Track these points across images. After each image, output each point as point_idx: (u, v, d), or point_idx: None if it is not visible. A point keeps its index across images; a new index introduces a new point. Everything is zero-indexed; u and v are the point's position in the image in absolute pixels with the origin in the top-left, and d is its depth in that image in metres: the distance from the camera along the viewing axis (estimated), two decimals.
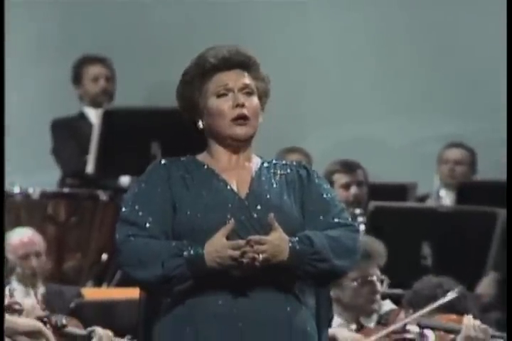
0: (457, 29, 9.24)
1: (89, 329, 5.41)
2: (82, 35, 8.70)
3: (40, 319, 5.11)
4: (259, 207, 4.06)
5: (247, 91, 4.13)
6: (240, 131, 4.13)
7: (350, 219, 4.20)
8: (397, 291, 6.22)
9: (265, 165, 4.20)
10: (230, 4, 9.26)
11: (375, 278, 5.78)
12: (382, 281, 5.87)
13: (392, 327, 5.62)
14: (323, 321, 4.25)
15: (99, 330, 5.41)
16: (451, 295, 5.76)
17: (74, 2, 8.88)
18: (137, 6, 8.95)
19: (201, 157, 4.19)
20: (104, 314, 5.99)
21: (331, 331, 4.88)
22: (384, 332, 5.62)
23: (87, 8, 8.90)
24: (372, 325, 5.75)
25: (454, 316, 5.80)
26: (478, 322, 5.58)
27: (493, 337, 5.65)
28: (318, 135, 8.53)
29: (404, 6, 9.34)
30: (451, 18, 9.24)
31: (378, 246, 5.87)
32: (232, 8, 9.29)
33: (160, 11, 9.03)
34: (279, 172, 4.24)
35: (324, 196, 4.17)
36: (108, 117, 7.39)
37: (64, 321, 5.32)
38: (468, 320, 5.60)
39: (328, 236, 4.10)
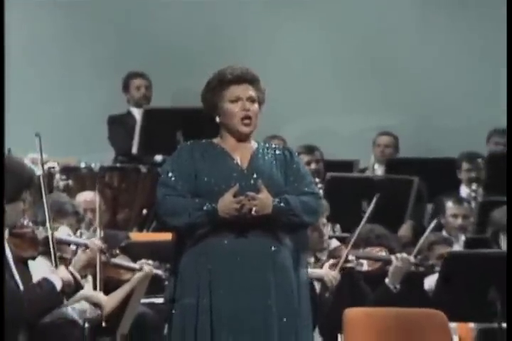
0: (395, 39, 8.95)
1: (140, 262, 5.27)
2: (128, 55, 8.61)
3: (99, 249, 4.85)
4: (255, 176, 4.15)
5: (252, 99, 4.19)
6: (246, 129, 4.19)
7: (316, 189, 4.27)
8: (344, 234, 6.18)
9: (261, 147, 4.25)
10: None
11: (322, 225, 5.67)
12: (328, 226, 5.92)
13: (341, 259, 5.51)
14: (303, 260, 4.26)
15: (142, 265, 5.23)
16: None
17: (126, 30, 8.77)
18: (170, 32, 8.77)
19: (215, 140, 4.24)
20: (145, 251, 5.56)
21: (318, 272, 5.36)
22: (331, 261, 5.53)
23: (134, 36, 8.78)
24: (324, 257, 5.65)
25: (382, 249, 5.73)
26: (403, 255, 5.56)
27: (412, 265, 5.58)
28: (291, 126, 8.48)
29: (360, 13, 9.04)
30: (386, 27, 8.96)
31: (324, 204, 5.66)
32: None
33: (183, 34, 8.75)
34: (270, 152, 4.24)
35: (300, 170, 4.24)
36: (146, 114, 7.48)
37: (117, 251, 5.20)
38: (396, 255, 5.56)
39: (300, 200, 4.16)
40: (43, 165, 5.02)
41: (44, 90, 8.64)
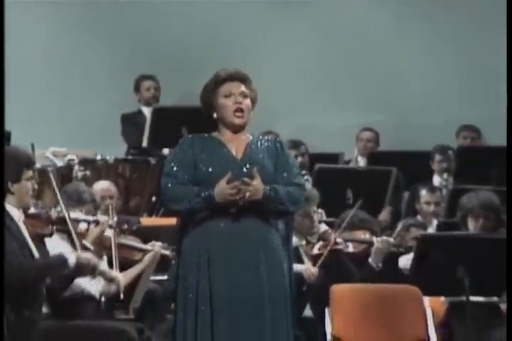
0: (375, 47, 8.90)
1: (150, 243, 5.27)
2: (140, 60, 8.57)
3: (110, 226, 4.94)
4: (248, 165, 4.17)
5: (244, 95, 4.19)
6: (238, 120, 4.19)
7: (302, 180, 4.27)
8: (331, 219, 6.17)
9: (254, 139, 4.26)
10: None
11: (312, 212, 5.76)
12: (319, 213, 5.95)
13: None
14: (291, 242, 4.31)
15: (152, 246, 5.26)
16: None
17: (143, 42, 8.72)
18: (176, 39, 8.72)
19: (214, 134, 4.24)
20: (154, 234, 5.56)
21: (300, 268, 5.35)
22: (321, 243, 5.63)
23: (145, 43, 8.71)
24: (314, 240, 5.70)
25: (365, 232, 5.80)
26: (383, 237, 5.62)
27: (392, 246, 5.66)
28: (284, 122, 8.43)
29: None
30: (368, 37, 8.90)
31: (313, 192, 5.88)
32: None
33: (188, 41, 8.71)
34: (263, 144, 4.24)
35: (289, 162, 4.25)
36: (155, 112, 7.44)
37: (125, 226, 5.16)
38: (377, 238, 5.62)
39: (287, 190, 4.17)
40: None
41: (65, 91, 8.61)
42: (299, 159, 7.35)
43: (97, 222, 4.84)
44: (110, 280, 4.90)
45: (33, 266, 4.40)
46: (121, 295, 4.93)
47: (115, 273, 4.93)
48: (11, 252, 4.33)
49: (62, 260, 4.42)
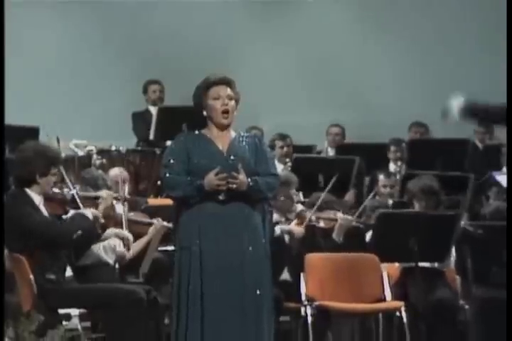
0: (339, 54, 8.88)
1: (155, 219, 5.22)
2: (148, 67, 8.43)
3: (115, 198, 4.94)
4: (232, 158, 4.14)
5: (230, 97, 4.12)
6: (225, 121, 4.14)
7: (277, 170, 4.26)
8: (306, 199, 6.12)
9: (237, 135, 4.21)
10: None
11: (292, 194, 5.75)
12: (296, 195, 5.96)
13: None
14: (270, 221, 4.37)
15: (157, 221, 5.22)
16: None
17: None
18: (178, 50, 8.66)
19: (203, 131, 4.19)
20: (159, 212, 5.42)
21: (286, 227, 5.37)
22: (297, 220, 5.58)
23: (153, 53, 8.62)
24: (292, 218, 5.66)
25: (334, 211, 5.75)
26: (344, 215, 5.59)
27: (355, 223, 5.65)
28: (267, 119, 8.28)
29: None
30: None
31: (294, 177, 5.87)
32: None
33: (188, 51, 8.64)
34: (245, 140, 4.20)
35: (267, 155, 4.22)
36: (160, 111, 7.32)
37: (127, 196, 5.13)
38: (340, 215, 5.59)
39: (266, 180, 4.14)
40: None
41: (86, 93, 8.57)
42: (285, 149, 7.31)
43: (102, 197, 4.81)
44: (122, 238, 4.85)
45: (61, 224, 4.46)
46: (129, 254, 4.91)
47: (126, 232, 4.90)
48: (40, 219, 4.37)
49: (81, 214, 4.49)
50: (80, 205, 4.62)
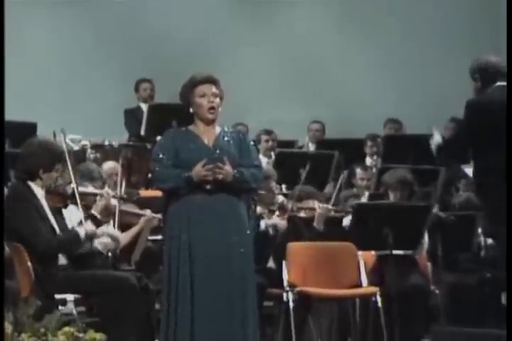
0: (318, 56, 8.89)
1: (144, 210, 5.21)
2: (139, 66, 8.42)
3: (113, 196, 4.88)
4: (218, 152, 4.15)
5: (215, 95, 4.12)
6: (211, 116, 4.14)
7: (260, 162, 4.26)
8: (287, 191, 6.11)
9: (222, 131, 4.21)
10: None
11: (273, 187, 5.71)
12: (279, 188, 5.95)
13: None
14: (254, 213, 4.41)
15: (147, 211, 5.22)
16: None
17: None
18: (168, 49, 8.61)
19: (190, 127, 4.19)
20: (150, 203, 5.37)
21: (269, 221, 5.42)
22: (277, 212, 5.62)
23: (144, 53, 8.62)
24: (274, 209, 5.67)
25: (314, 201, 5.66)
26: (323, 205, 5.59)
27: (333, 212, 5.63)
28: (252, 116, 8.22)
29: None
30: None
31: (272, 171, 5.83)
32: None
33: (177, 50, 8.59)
34: (229, 135, 4.20)
35: (250, 148, 4.21)
36: (151, 108, 7.29)
37: (124, 195, 5.10)
38: (319, 205, 5.58)
39: (250, 171, 4.14)
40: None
41: (80, 91, 8.53)
42: (270, 143, 7.33)
43: (101, 195, 4.78)
44: (113, 237, 4.86)
45: (57, 241, 4.42)
46: (117, 250, 4.93)
47: (117, 232, 4.91)
48: (39, 228, 4.35)
49: (75, 235, 4.46)
50: (78, 202, 4.59)
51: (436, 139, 4.65)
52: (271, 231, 5.45)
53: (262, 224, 5.36)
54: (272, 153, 7.10)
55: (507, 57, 4.56)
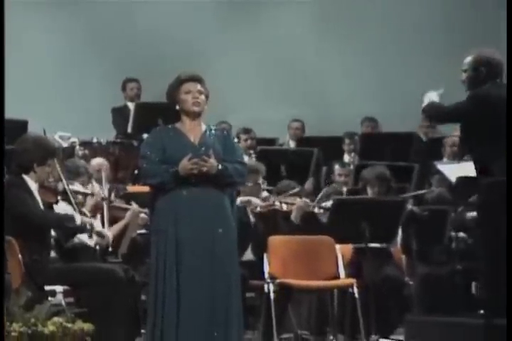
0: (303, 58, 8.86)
1: (130, 205, 5.24)
2: (126, 66, 8.38)
3: (102, 198, 4.97)
4: (203, 149, 4.16)
5: (200, 92, 4.13)
6: (196, 108, 4.13)
7: (244, 159, 4.29)
8: (269, 187, 6.13)
9: (207, 129, 4.21)
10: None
11: (260, 182, 5.80)
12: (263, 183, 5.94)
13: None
14: (235, 202, 4.32)
15: (134, 206, 5.23)
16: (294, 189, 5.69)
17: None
18: (155, 49, 8.61)
19: (177, 125, 4.19)
20: (136, 198, 5.36)
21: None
22: (263, 204, 5.58)
23: (131, 53, 8.57)
24: (259, 201, 5.65)
25: (295, 197, 5.71)
26: (303, 199, 5.59)
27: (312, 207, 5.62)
28: (235, 114, 8.18)
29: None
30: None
31: (262, 167, 5.89)
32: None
33: (163, 51, 8.57)
34: (214, 132, 4.20)
35: (234, 145, 4.24)
36: (137, 107, 7.32)
37: (113, 198, 5.17)
38: (299, 200, 5.58)
39: (234, 167, 4.13)
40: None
41: (69, 89, 8.53)
42: (249, 142, 7.33)
43: (92, 195, 4.85)
44: (101, 236, 4.83)
45: (52, 215, 4.47)
46: (110, 248, 4.95)
47: (105, 231, 4.89)
48: (33, 205, 4.39)
49: (70, 217, 4.49)
50: (71, 198, 4.63)
51: (432, 97, 4.50)
52: (252, 220, 5.43)
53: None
54: (252, 151, 7.11)
55: (507, 57, 4.47)
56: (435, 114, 4.53)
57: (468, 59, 4.52)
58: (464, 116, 4.37)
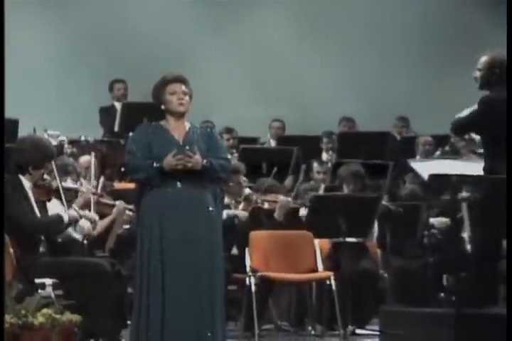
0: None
1: (117, 201, 5.22)
2: (113, 68, 8.36)
3: (91, 192, 4.96)
4: (187, 147, 4.12)
5: (184, 93, 4.10)
6: (181, 108, 4.10)
7: (228, 155, 4.32)
8: (251, 184, 6.09)
9: (192, 127, 4.18)
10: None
11: (241, 180, 5.69)
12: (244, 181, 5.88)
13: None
14: (222, 201, 4.53)
15: (120, 203, 5.20)
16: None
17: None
18: (141, 51, 8.58)
19: (162, 122, 4.15)
20: (123, 194, 5.34)
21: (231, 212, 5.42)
22: (243, 203, 5.55)
23: (118, 55, 8.53)
24: (241, 199, 5.61)
25: (276, 194, 5.62)
26: (284, 198, 5.61)
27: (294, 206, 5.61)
28: (218, 114, 8.13)
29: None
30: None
31: (242, 166, 5.84)
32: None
33: (150, 52, 8.54)
34: (198, 130, 4.17)
35: (218, 143, 4.20)
36: (124, 107, 7.35)
37: (102, 193, 5.21)
38: (281, 197, 5.59)
39: (219, 162, 4.10)
40: None
41: (58, 89, 8.51)
42: (231, 141, 7.30)
43: (82, 191, 4.84)
44: (90, 220, 4.80)
45: (42, 221, 4.46)
46: (95, 232, 4.90)
47: (93, 214, 4.87)
48: (25, 210, 4.39)
49: (59, 218, 4.48)
50: (63, 197, 4.60)
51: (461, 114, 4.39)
52: (235, 220, 5.45)
53: (224, 214, 5.30)
54: (234, 151, 7.07)
55: (507, 55, 4.39)
56: (454, 128, 4.51)
57: (484, 58, 4.44)
58: (479, 124, 4.34)
